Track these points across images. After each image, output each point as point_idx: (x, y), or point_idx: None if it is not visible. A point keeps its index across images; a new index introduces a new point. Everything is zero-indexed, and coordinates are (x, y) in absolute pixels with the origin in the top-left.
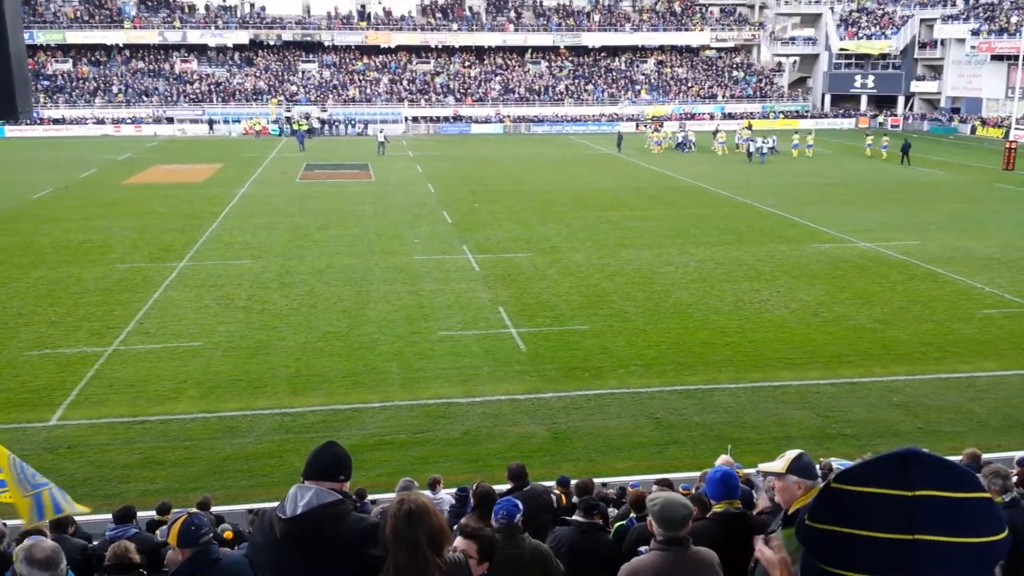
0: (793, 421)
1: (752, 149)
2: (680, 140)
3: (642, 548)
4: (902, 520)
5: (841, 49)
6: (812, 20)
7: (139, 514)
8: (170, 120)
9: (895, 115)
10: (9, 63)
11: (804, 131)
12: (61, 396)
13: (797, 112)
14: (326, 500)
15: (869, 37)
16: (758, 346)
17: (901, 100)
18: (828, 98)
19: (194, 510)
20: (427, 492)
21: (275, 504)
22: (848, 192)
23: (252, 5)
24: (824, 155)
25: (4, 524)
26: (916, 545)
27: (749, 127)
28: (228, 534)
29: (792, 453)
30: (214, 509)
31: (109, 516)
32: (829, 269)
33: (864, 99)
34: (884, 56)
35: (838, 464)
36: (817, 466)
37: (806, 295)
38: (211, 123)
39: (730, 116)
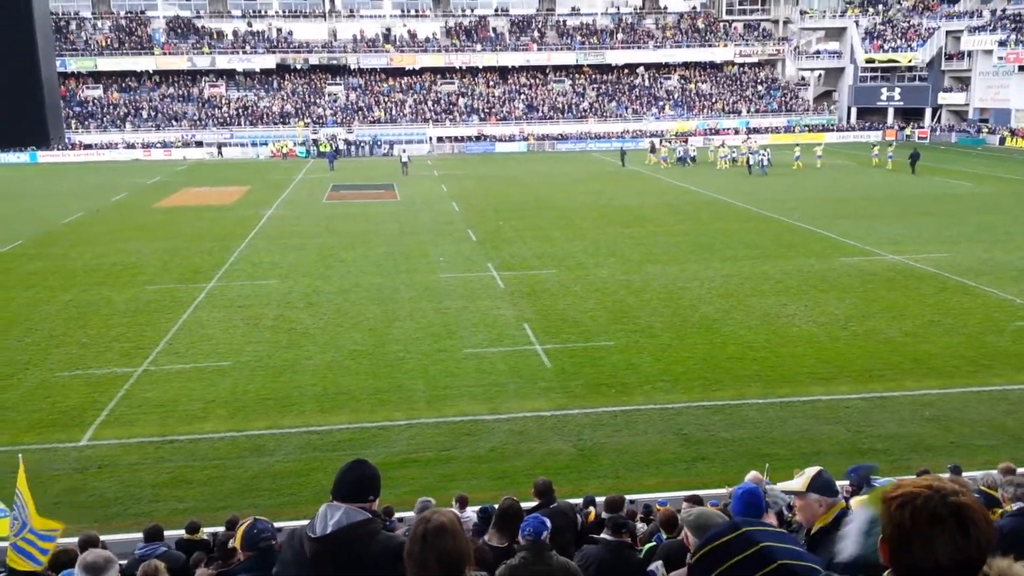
0: (823, 436)
1: (752, 162)
2: (680, 155)
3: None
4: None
5: (867, 61)
6: (837, 34)
7: (168, 533)
8: (199, 144)
9: (922, 127)
10: (41, 90)
11: (811, 144)
12: (92, 416)
13: (823, 126)
14: (356, 519)
15: (895, 49)
16: (787, 361)
17: (928, 112)
18: (854, 111)
19: (260, 517)
20: (454, 509)
21: (304, 522)
22: (872, 204)
23: (279, 31)
24: (834, 167)
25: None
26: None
27: (747, 139)
28: None
29: (812, 471)
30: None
31: (139, 535)
32: (858, 282)
33: (891, 111)
34: (911, 68)
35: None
36: (847, 482)
37: (835, 309)
38: (220, 147)
39: (755, 131)
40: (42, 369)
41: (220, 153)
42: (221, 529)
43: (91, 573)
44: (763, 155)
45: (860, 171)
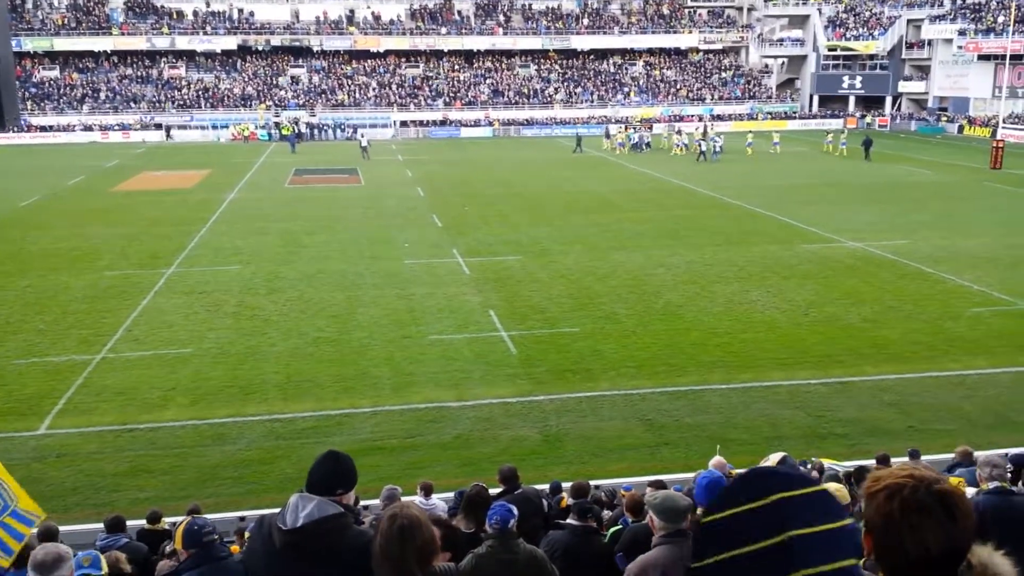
0: (784, 421)
1: (703, 148)
2: (635, 140)
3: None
4: (775, 526)
5: (829, 50)
6: (800, 21)
7: (129, 523)
8: (158, 126)
9: (883, 115)
10: None
11: (766, 132)
12: (50, 405)
13: (785, 113)
14: (328, 513)
15: (857, 38)
16: (749, 347)
17: (889, 100)
18: (816, 99)
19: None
20: (419, 498)
21: (272, 511)
22: (831, 191)
23: (240, 11)
24: (790, 154)
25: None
26: (790, 542)
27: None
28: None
29: (776, 456)
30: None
31: (100, 525)
32: (819, 269)
33: (852, 99)
34: (872, 57)
35: (830, 465)
36: (809, 465)
37: (796, 295)
38: (168, 129)
39: (718, 118)
40: None
41: (169, 136)
42: (143, 522)
43: (42, 573)
44: (716, 141)
45: (816, 158)
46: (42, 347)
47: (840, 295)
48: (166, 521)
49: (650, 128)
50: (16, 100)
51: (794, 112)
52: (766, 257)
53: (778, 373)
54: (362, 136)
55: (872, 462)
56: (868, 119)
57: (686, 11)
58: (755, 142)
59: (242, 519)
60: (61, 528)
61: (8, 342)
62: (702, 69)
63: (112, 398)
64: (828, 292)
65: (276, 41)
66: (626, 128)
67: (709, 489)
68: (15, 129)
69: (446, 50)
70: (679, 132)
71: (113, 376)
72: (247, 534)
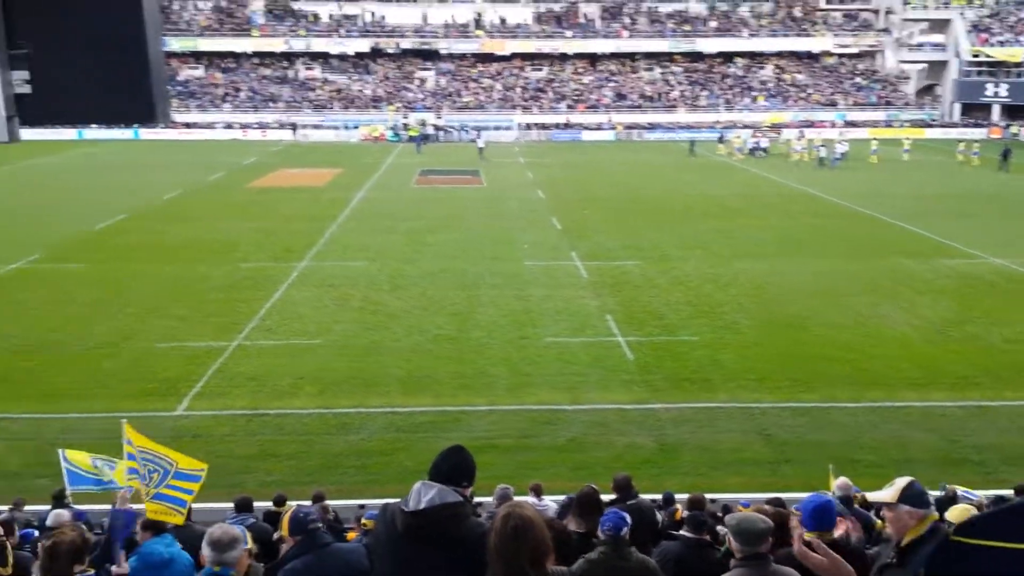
0: (915, 443)
1: (823, 155)
2: (752, 146)
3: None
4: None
5: (972, 56)
6: (941, 26)
7: (256, 504)
8: (294, 126)
9: None
10: (149, 71)
11: (900, 139)
12: (187, 387)
13: (924, 121)
14: (448, 500)
15: (1002, 43)
16: (879, 363)
17: None
18: (958, 107)
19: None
20: (531, 499)
21: (395, 500)
22: (969, 203)
23: (373, 14)
24: (919, 162)
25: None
26: None
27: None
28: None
29: (902, 481)
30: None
31: (229, 505)
32: (956, 285)
33: (996, 108)
34: (1018, 64)
35: (963, 493)
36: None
37: (931, 312)
38: (295, 128)
39: (852, 124)
40: (142, 340)
41: (296, 135)
42: (269, 504)
43: (217, 550)
44: (837, 148)
45: (948, 167)
46: (182, 333)
47: (980, 313)
48: (291, 504)
49: (779, 133)
50: (167, 99)
51: (933, 120)
52: (898, 270)
53: (910, 393)
54: (478, 136)
55: (1011, 492)
56: (1014, 129)
57: (819, 14)
58: (880, 149)
59: (362, 507)
60: (192, 506)
61: (153, 327)
62: (835, 74)
63: (245, 384)
64: (966, 310)
65: (406, 44)
66: (755, 134)
67: (816, 514)
68: (162, 126)
69: (570, 53)
70: (801, 137)
71: (247, 363)
72: (364, 521)
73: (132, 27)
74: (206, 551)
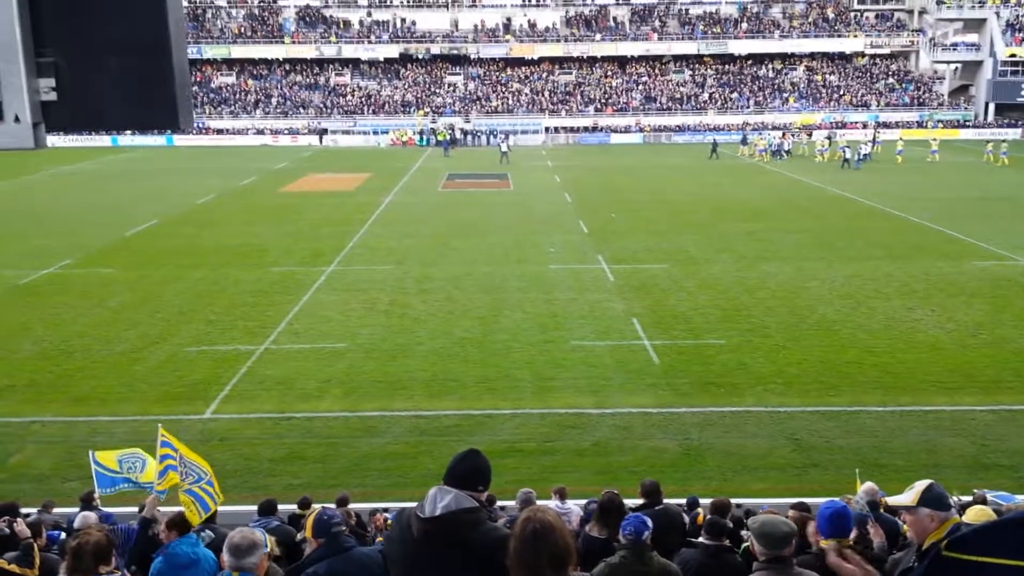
0: (945, 448)
1: (848, 156)
2: (774, 147)
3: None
4: None
5: (1008, 56)
6: (976, 25)
7: (281, 507)
8: (324, 131)
9: None
10: (173, 77)
11: (927, 139)
12: (216, 391)
13: (958, 122)
14: (464, 505)
15: None
16: (909, 367)
17: None
18: (992, 107)
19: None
20: (554, 502)
21: (413, 504)
22: (1001, 204)
23: (403, 20)
24: (948, 163)
25: (158, 510)
26: None
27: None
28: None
29: (921, 484)
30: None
31: (254, 507)
32: (990, 288)
33: None
34: None
35: (993, 497)
36: (971, 497)
37: (963, 315)
38: (321, 135)
39: (884, 125)
40: (171, 344)
41: (321, 141)
42: (294, 507)
43: (236, 556)
44: (862, 148)
45: (976, 168)
46: (211, 336)
47: (1013, 317)
48: (315, 507)
49: (810, 135)
50: (191, 105)
51: (967, 120)
52: (930, 273)
53: (941, 397)
54: (503, 140)
55: None
56: None
57: (852, 14)
58: (905, 150)
59: (385, 510)
60: (218, 509)
61: (182, 331)
62: (867, 74)
63: (272, 387)
64: (999, 313)
65: (436, 49)
66: (784, 135)
67: (832, 521)
68: (193, 132)
69: (599, 56)
70: (828, 138)
71: (274, 367)
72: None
73: (156, 35)
74: (226, 556)
